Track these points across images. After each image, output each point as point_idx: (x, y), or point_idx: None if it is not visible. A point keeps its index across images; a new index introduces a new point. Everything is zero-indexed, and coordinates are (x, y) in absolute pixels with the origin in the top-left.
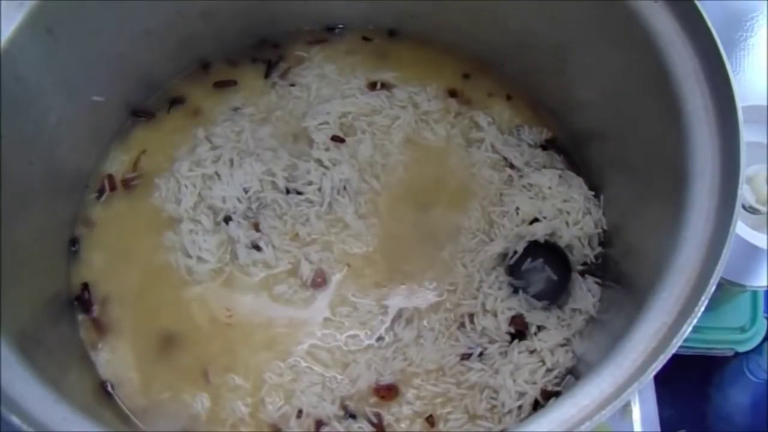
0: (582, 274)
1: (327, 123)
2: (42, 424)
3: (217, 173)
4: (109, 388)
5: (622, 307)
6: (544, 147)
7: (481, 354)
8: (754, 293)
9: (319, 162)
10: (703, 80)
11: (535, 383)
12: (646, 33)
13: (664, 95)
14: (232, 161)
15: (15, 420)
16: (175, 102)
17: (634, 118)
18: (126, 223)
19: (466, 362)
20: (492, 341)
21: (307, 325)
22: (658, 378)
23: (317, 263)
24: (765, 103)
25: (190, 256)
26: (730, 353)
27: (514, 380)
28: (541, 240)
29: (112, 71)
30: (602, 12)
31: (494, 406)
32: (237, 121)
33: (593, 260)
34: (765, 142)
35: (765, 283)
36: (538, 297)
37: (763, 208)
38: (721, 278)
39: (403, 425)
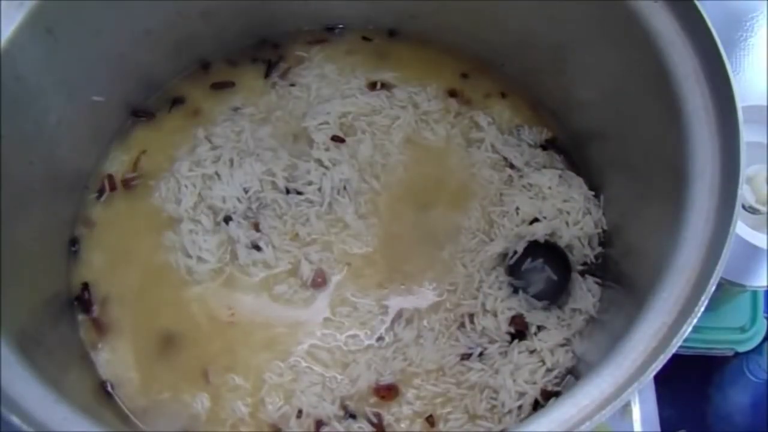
0: (582, 274)
1: (327, 123)
2: (42, 424)
3: (217, 173)
4: (109, 388)
5: (622, 307)
6: (544, 147)
7: (481, 354)
8: (754, 293)
9: (319, 162)
10: (703, 80)
11: (535, 383)
12: (646, 33)
13: (664, 95)
14: (232, 161)
15: (15, 420)
16: (175, 102)
17: (634, 118)
18: (126, 223)
19: (466, 362)
20: (492, 341)
21: (307, 325)
22: (658, 378)
23: (317, 263)
24: (765, 103)
25: (190, 256)
26: (730, 353)
27: (514, 380)
28: (541, 240)
29: (112, 71)
30: (602, 12)
31: (494, 406)
32: (237, 121)
33: (593, 260)
34: (765, 142)
35: (765, 283)
36: (538, 297)
37: (763, 208)
38: (721, 278)
39: (403, 425)
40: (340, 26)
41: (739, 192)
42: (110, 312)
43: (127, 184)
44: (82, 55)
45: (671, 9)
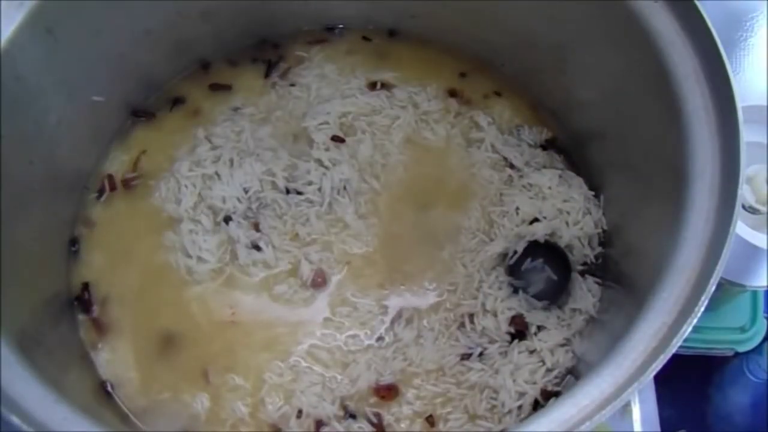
0: (582, 274)
1: (327, 123)
2: (42, 424)
3: (217, 173)
4: (109, 388)
5: (622, 307)
6: (544, 147)
7: (481, 354)
8: (754, 293)
9: (319, 162)
10: (703, 80)
11: (535, 383)
12: (646, 33)
13: (664, 95)
14: (232, 161)
15: (15, 420)
16: (175, 102)
17: (634, 118)
18: (126, 223)
19: (466, 362)
20: (492, 341)
21: (307, 325)
22: (658, 378)
23: (317, 263)
24: (765, 103)
25: (190, 256)
26: (730, 353)
27: (514, 380)
28: (541, 240)
29: (112, 71)
30: (602, 12)
31: (494, 406)
32: (237, 121)
33: (593, 260)
34: (765, 142)
35: (765, 283)
36: (538, 297)
37: (763, 208)
38: (721, 278)
39: (403, 425)
40: (340, 26)
41: (739, 192)
42: (110, 312)
43: (127, 184)
44: (82, 55)
45: (671, 9)
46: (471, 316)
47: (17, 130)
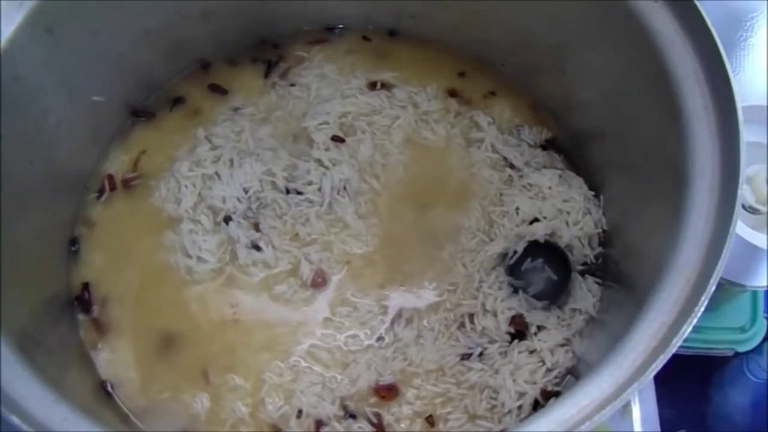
0: (582, 274)
1: (327, 123)
2: (42, 424)
3: (217, 173)
4: (109, 388)
5: (622, 307)
6: (544, 147)
7: (481, 354)
8: (754, 293)
9: (319, 162)
10: (703, 80)
11: (535, 383)
12: (646, 33)
13: (664, 95)
14: (232, 161)
15: (15, 420)
16: (175, 102)
17: (634, 118)
18: (126, 223)
19: (466, 362)
20: (492, 341)
21: (307, 325)
22: (658, 378)
23: (317, 263)
24: (765, 103)
25: (190, 256)
26: (730, 353)
27: (514, 380)
28: (541, 240)
29: (112, 71)
30: (602, 12)
31: (494, 406)
32: (237, 121)
33: (593, 260)
34: (765, 142)
35: (765, 283)
36: (538, 297)
37: (763, 208)
38: (721, 278)
39: (403, 425)
40: (340, 26)
41: (739, 192)
42: (110, 312)
43: (127, 184)
44: (82, 55)
45: (671, 9)
46: (471, 316)
47: (17, 130)
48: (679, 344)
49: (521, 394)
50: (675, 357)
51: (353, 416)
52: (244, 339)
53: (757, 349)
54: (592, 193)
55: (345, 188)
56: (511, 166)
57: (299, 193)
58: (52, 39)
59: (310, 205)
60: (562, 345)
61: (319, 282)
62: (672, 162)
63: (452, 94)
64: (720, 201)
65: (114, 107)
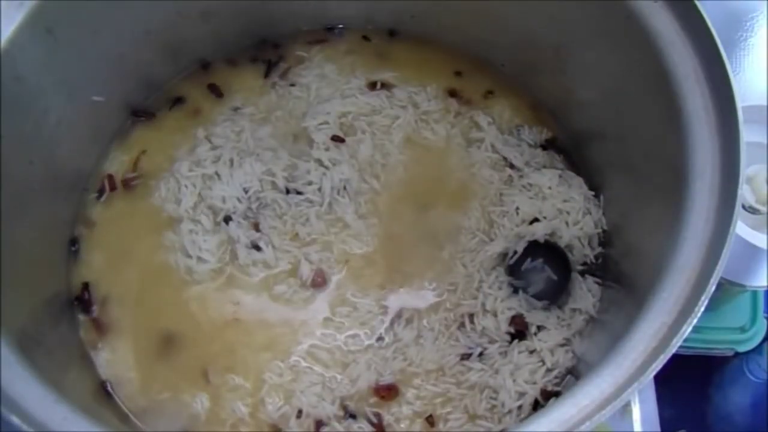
0: (582, 274)
1: (327, 123)
2: (42, 424)
3: (217, 173)
4: (109, 388)
5: (622, 307)
6: (544, 147)
7: (481, 354)
8: (754, 293)
9: (319, 162)
10: (703, 80)
11: (535, 383)
12: (646, 33)
13: (664, 95)
14: (232, 161)
15: (15, 420)
16: (175, 102)
17: (634, 118)
18: (126, 223)
19: (466, 362)
20: (492, 341)
21: (307, 325)
22: (658, 378)
23: (317, 263)
24: (765, 103)
25: (190, 256)
26: (730, 353)
27: (514, 380)
28: (541, 240)
29: (112, 71)
30: (602, 12)
31: (494, 406)
32: (237, 121)
33: (593, 260)
34: (765, 142)
35: (765, 283)
36: (538, 297)
37: (763, 208)
38: (721, 278)
39: (403, 425)
40: (340, 26)
41: (739, 192)
42: (110, 312)
43: (127, 184)
44: (82, 55)
45: (671, 9)
46: (471, 316)
47: (17, 130)
48: (679, 344)
49: (521, 394)
50: (675, 357)
51: (353, 416)
52: (244, 339)
53: (757, 349)
54: (592, 193)
55: (345, 188)
56: (511, 166)
57: (299, 193)
58: (52, 39)
59: (310, 205)
60: (562, 345)
61: (319, 282)
62: (672, 162)
63: (452, 94)
64: (720, 201)
65: (114, 107)
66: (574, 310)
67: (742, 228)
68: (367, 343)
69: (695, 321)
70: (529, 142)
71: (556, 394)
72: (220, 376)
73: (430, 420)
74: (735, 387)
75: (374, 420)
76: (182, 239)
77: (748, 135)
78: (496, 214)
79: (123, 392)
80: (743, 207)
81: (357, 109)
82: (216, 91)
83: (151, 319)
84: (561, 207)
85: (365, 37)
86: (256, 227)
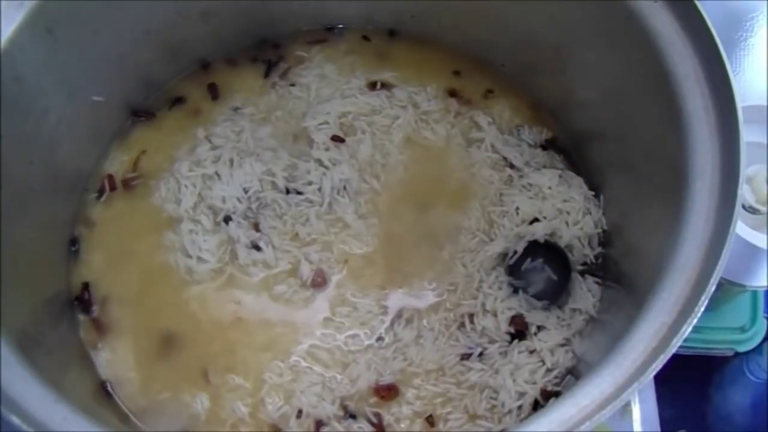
0: (582, 274)
1: (327, 123)
2: (42, 424)
3: (217, 173)
4: (109, 388)
5: (622, 307)
6: (544, 147)
7: (481, 354)
8: (754, 293)
9: (319, 162)
10: (703, 80)
11: (535, 383)
12: (646, 33)
13: (664, 95)
14: (232, 161)
15: (15, 420)
16: (175, 102)
17: (634, 118)
18: (126, 223)
19: (466, 362)
20: (492, 341)
21: (307, 325)
22: (658, 378)
23: (317, 263)
24: (765, 103)
25: (190, 256)
26: (730, 353)
27: (514, 380)
28: (541, 240)
29: (112, 71)
30: (602, 12)
31: (494, 406)
32: (237, 121)
33: (593, 260)
34: (765, 142)
35: (765, 283)
36: (538, 297)
37: (763, 208)
38: (721, 278)
39: (403, 425)
40: (340, 26)
41: (739, 192)
42: (110, 312)
43: (127, 184)
44: (82, 55)
45: (671, 9)
46: (471, 316)
47: (17, 130)
48: (679, 344)
49: (521, 394)
50: (675, 357)
51: (353, 416)
52: (244, 339)
53: (757, 349)
54: (592, 193)
55: (345, 188)
56: (511, 166)
57: (299, 193)
58: (52, 39)
59: (310, 205)
60: (562, 345)
61: (319, 282)
62: (672, 162)
63: (452, 94)
64: (720, 201)
65: (114, 107)
66: (574, 310)
67: (742, 228)
68: (367, 343)
69: (695, 321)
70: (529, 142)
71: (556, 394)
72: (220, 376)
73: (430, 420)
74: (735, 387)
75: (374, 420)
76: (182, 239)
77: (748, 135)
78: (496, 214)
79: (123, 392)
80: (743, 207)
81: (357, 109)
82: (213, 92)
83: (151, 319)
84: (561, 207)
85: (365, 37)
86: (256, 227)
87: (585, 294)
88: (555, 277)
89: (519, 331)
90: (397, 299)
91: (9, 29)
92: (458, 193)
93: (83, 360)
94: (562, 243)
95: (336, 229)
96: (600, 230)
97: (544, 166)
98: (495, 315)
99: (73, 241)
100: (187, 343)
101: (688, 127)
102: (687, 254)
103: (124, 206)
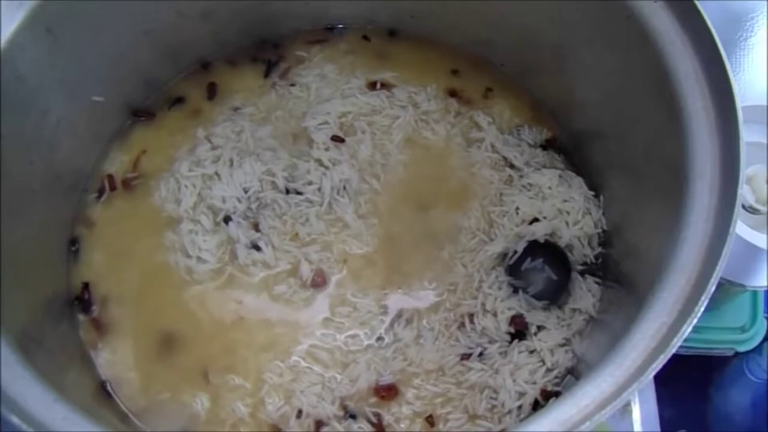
0: (582, 274)
1: (327, 123)
2: (42, 424)
3: (217, 173)
4: (109, 388)
5: (622, 307)
6: (544, 147)
7: (481, 354)
8: (754, 293)
9: (319, 162)
10: (703, 80)
11: (535, 383)
12: (646, 33)
13: (664, 95)
14: (232, 161)
15: (15, 420)
16: (175, 102)
17: (634, 118)
18: (126, 223)
19: (466, 362)
20: (492, 341)
21: (306, 325)
22: (658, 378)
23: (317, 263)
24: (765, 103)
25: (189, 256)
26: (730, 353)
27: (514, 380)
28: (541, 240)
29: (112, 71)
30: (602, 12)
31: (494, 406)
32: (237, 121)
33: (593, 260)
34: (765, 142)
35: (765, 283)
36: (538, 297)
37: (763, 208)
38: (721, 278)
39: (402, 425)
40: (340, 26)
41: (739, 192)
42: (110, 312)
43: (127, 184)
44: (82, 55)
45: (671, 9)
46: (471, 316)
47: (17, 130)
48: (679, 344)
49: (521, 394)
50: (675, 357)
51: (353, 416)
52: (244, 339)
53: (757, 349)
54: (592, 193)
55: (345, 188)
56: (511, 166)
57: (299, 193)
58: (52, 39)
59: (310, 205)
60: (562, 345)
61: (319, 282)
62: (672, 162)
63: (452, 94)
64: (720, 201)
65: (114, 107)
66: (574, 310)
67: (742, 228)
68: (367, 343)
69: (695, 321)
70: (529, 142)
71: (556, 394)
72: (220, 376)
73: (430, 420)
74: (735, 387)
75: (374, 420)
76: (182, 239)
77: (748, 135)
78: (496, 214)
79: (123, 392)
80: (743, 207)
81: (357, 109)
82: (213, 92)
83: (151, 319)
84: (561, 207)
85: (365, 37)
86: (256, 227)
87: (585, 294)
88: (555, 277)
89: (519, 331)
90: (397, 299)
91: (9, 29)
92: (458, 193)
93: (83, 360)
94: (562, 243)
95: (336, 229)
96: (600, 230)
97: (544, 166)
98: (495, 315)
99: (73, 241)
100: (187, 343)
101: (688, 127)
102: (687, 254)
103: (124, 206)
